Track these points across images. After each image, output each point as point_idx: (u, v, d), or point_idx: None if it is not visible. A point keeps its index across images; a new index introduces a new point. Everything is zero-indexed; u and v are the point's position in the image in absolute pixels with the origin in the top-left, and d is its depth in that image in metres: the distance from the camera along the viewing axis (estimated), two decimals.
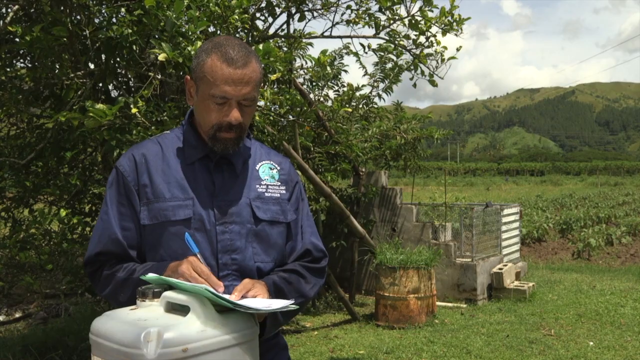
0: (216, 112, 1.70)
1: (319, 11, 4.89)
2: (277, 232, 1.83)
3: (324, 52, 4.77)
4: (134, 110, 3.33)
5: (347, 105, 6.55)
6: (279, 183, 1.87)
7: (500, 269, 8.08)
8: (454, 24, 4.66)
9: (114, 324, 1.32)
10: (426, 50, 5.14)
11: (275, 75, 3.75)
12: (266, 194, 1.83)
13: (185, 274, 1.52)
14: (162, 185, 1.73)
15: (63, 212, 4.46)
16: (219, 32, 3.93)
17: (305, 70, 6.43)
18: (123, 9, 3.65)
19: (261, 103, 4.15)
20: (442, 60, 5.07)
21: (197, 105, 1.75)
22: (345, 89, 7.41)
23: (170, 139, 1.81)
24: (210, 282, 1.51)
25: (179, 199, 1.72)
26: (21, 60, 4.57)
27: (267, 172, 1.87)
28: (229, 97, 1.67)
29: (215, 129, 1.71)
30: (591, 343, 5.85)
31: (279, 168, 1.91)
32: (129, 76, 4.27)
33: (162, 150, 1.78)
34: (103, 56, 3.91)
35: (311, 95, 6.58)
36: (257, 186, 1.83)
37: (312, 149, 7.06)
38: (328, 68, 4.85)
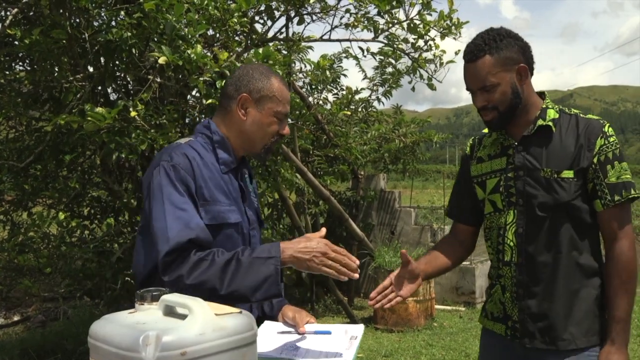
0: (275, 125, 1.97)
1: (318, 15, 4.89)
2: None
3: (323, 56, 4.78)
4: (133, 114, 3.33)
5: (346, 109, 6.56)
6: (254, 193, 2.14)
7: None
8: (453, 27, 4.68)
9: (112, 327, 1.32)
10: (425, 54, 5.15)
11: None
12: (256, 202, 2.10)
13: (329, 254, 1.74)
14: (212, 189, 1.85)
15: (62, 215, 4.47)
16: (218, 35, 3.94)
17: (305, 74, 6.44)
18: (122, 12, 3.65)
19: None
20: (441, 63, 5.09)
21: (256, 121, 1.96)
22: (344, 92, 7.43)
23: (200, 147, 1.92)
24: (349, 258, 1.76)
25: (227, 204, 1.88)
26: (20, 63, 4.57)
27: (249, 181, 2.13)
28: (288, 114, 2.02)
29: (274, 141, 2.00)
30: None
31: (247, 175, 2.13)
32: (128, 79, 4.26)
33: (200, 155, 1.89)
34: (102, 59, 3.91)
35: (310, 99, 6.59)
36: (253, 195, 2.10)
37: (311, 152, 7.07)
38: (327, 72, 4.86)
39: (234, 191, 1.94)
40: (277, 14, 4.76)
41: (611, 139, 1.98)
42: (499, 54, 1.97)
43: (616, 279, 1.94)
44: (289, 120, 4.81)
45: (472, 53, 1.99)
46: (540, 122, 2.03)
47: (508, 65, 1.98)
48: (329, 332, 1.98)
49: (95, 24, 3.79)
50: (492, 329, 2.18)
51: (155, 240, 1.75)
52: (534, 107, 2.06)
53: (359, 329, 2.04)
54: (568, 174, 1.96)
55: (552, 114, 2.05)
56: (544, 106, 2.07)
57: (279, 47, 4.78)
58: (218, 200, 1.85)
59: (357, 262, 1.78)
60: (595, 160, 1.96)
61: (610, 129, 1.99)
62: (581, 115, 2.05)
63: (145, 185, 1.88)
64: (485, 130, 2.25)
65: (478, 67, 1.98)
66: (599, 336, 2.00)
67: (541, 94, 2.12)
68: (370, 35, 4.95)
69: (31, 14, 3.93)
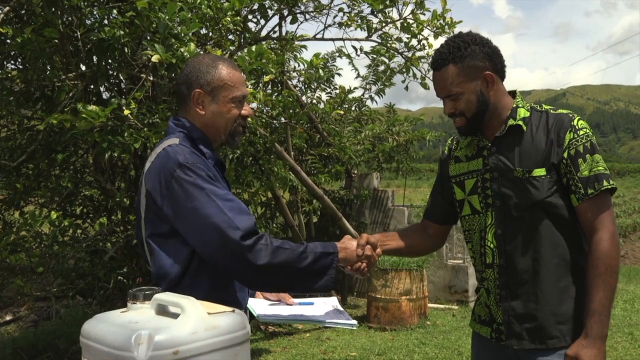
0: (235, 110, 2.00)
1: (311, 14, 4.89)
2: None
3: (316, 55, 4.78)
4: (126, 112, 3.31)
5: (339, 108, 6.56)
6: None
7: None
8: (446, 27, 4.69)
9: (104, 326, 1.31)
10: (418, 53, 5.16)
11: (267, 77, 3.75)
12: None
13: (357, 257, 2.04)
14: (218, 181, 1.89)
15: (54, 215, 4.45)
16: (211, 33, 3.93)
17: (298, 73, 6.44)
18: (115, 11, 3.64)
19: (254, 105, 4.15)
20: None
21: (215, 112, 1.98)
22: (337, 91, 7.42)
23: (188, 144, 1.93)
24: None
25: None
26: (12, 62, 4.54)
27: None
28: (245, 95, 2.03)
29: (237, 124, 2.02)
30: None
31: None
32: (121, 78, 4.25)
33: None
34: (95, 58, 3.89)
35: (304, 98, 6.59)
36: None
37: (304, 151, 7.06)
38: (320, 71, 4.86)
39: (222, 182, 1.98)
40: (270, 12, 4.76)
41: (581, 132, 1.97)
42: (463, 63, 1.98)
43: (592, 270, 1.92)
44: (282, 118, 4.80)
45: (437, 62, 2.01)
46: (510, 122, 2.04)
47: (472, 74, 1.99)
48: (311, 303, 2.26)
49: (88, 22, 3.77)
50: (480, 332, 2.19)
51: (220, 233, 1.75)
52: (505, 109, 2.08)
53: (334, 300, 2.39)
54: (540, 172, 1.97)
55: (522, 112, 2.06)
56: (514, 105, 2.08)
57: (272, 45, 4.77)
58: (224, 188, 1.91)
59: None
60: (565, 154, 1.96)
61: (581, 122, 1.99)
62: (552, 111, 2.05)
63: (156, 193, 1.82)
64: None
65: (443, 76, 2.00)
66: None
67: (512, 93, 2.13)
68: (364, 34, 4.96)
69: (23, 12, 3.91)
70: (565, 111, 2.04)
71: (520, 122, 2.03)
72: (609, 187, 1.97)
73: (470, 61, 1.98)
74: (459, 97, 2.00)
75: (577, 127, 1.97)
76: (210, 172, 1.87)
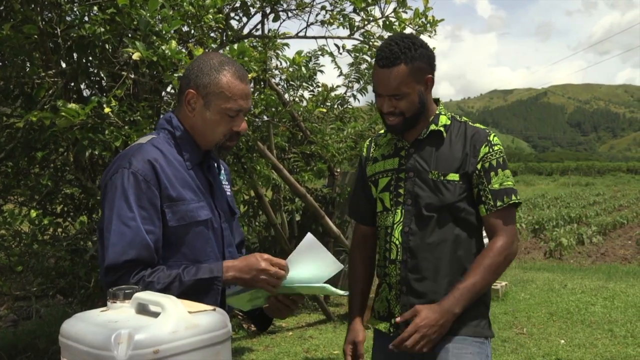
0: (226, 123, 1.87)
1: (294, 12, 4.89)
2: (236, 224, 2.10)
3: (299, 52, 4.77)
4: (106, 110, 3.29)
5: (322, 106, 6.56)
6: (227, 181, 2.09)
7: None
8: (428, 25, 4.70)
9: (83, 326, 1.31)
10: None
11: (250, 75, 3.73)
12: (228, 191, 2.06)
13: (269, 271, 1.76)
14: (179, 188, 1.81)
15: (34, 213, 4.41)
16: (192, 31, 3.91)
17: (280, 71, 6.43)
18: (95, 8, 3.60)
19: None
20: None
21: (204, 118, 1.87)
22: (320, 89, 7.42)
23: (163, 144, 1.87)
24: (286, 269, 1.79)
25: (195, 201, 1.84)
26: None
27: (220, 171, 2.08)
28: (242, 110, 1.88)
29: (227, 139, 1.90)
30: (562, 341, 5.94)
31: (223, 168, 2.10)
32: (102, 75, 4.22)
33: (164, 154, 1.83)
34: (75, 55, 3.85)
35: (286, 96, 6.57)
36: (226, 183, 2.06)
37: (287, 149, 7.05)
38: (303, 69, 4.85)
39: (202, 186, 1.90)
40: (252, 10, 4.75)
41: (496, 148, 2.09)
42: (413, 64, 2.03)
43: (479, 259, 2.04)
44: (264, 116, 4.80)
45: (388, 59, 2.01)
46: (432, 126, 2.13)
47: (418, 76, 2.05)
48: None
49: (68, 19, 3.73)
50: (379, 328, 2.26)
51: (100, 254, 1.76)
52: (430, 112, 2.16)
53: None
54: (454, 176, 2.06)
55: (444, 120, 2.15)
56: (437, 112, 2.16)
57: (254, 43, 4.76)
58: (185, 198, 1.82)
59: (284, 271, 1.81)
60: (479, 166, 2.06)
61: (496, 138, 2.11)
62: (470, 123, 2.16)
63: (102, 187, 1.83)
64: (382, 131, 2.34)
65: (393, 75, 2.02)
66: (482, 329, 2.11)
67: (436, 101, 2.21)
68: (346, 33, 4.96)
69: (1, 8, 3.86)
70: (482, 126, 2.15)
71: (442, 128, 2.13)
72: (516, 201, 2.07)
73: (418, 63, 2.04)
74: (404, 97, 2.04)
75: (492, 143, 2.09)
76: (165, 181, 1.78)
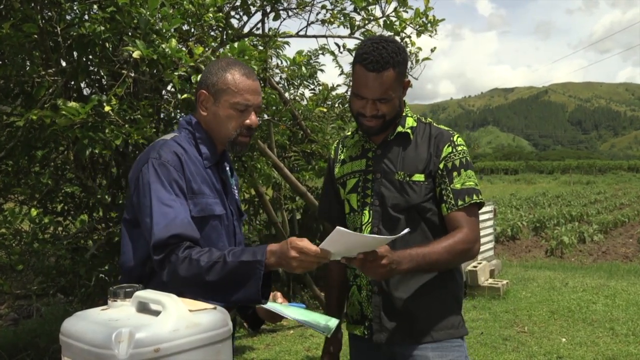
0: (237, 118, 1.96)
1: (294, 10, 4.88)
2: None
3: (299, 52, 4.77)
4: (107, 109, 3.29)
5: (323, 105, 6.56)
6: (235, 187, 2.17)
7: (475, 266, 8.16)
8: (429, 25, 4.70)
9: (84, 324, 1.30)
10: None
11: None
12: (236, 195, 2.13)
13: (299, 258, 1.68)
14: (199, 182, 1.90)
15: (34, 212, 4.40)
16: (193, 30, 3.91)
17: (281, 70, 6.43)
18: (95, 6, 3.60)
19: None
20: (417, 60, 5.10)
21: (216, 115, 1.97)
22: (320, 88, 7.41)
23: (185, 142, 1.96)
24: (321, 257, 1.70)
25: (212, 197, 1.93)
26: None
27: (231, 175, 2.16)
28: (250, 104, 1.96)
29: (239, 133, 1.97)
30: (563, 339, 5.94)
31: (234, 173, 2.20)
32: (102, 74, 4.21)
33: (186, 151, 1.93)
34: (75, 53, 3.85)
35: (287, 94, 6.57)
36: (235, 188, 2.14)
37: (287, 147, 7.05)
38: (303, 68, 4.84)
39: (217, 184, 1.99)
40: (252, 9, 4.74)
41: (459, 148, 2.11)
42: (399, 68, 2.03)
43: (443, 240, 2.01)
44: (265, 115, 4.80)
45: (379, 63, 1.99)
46: (399, 128, 2.15)
47: (401, 80, 2.07)
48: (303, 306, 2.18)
49: (68, 17, 3.73)
50: (355, 333, 2.27)
51: (145, 236, 1.81)
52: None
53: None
54: (419, 177, 2.08)
55: (410, 122, 2.17)
56: (404, 114, 2.17)
57: (254, 42, 4.75)
58: (205, 192, 1.91)
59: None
60: (441, 166, 2.08)
61: (460, 139, 2.13)
62: (434, 124, 2.18)
63: (132, 181, 1.90)
64: (349, 133, 2.35)
65: (382, 79, 2.00)
66: (457, 329, 2.12)
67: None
68: (347, 32, 4.95)
69: (1, 7, 3.85)
70: (447, 128, 2.17)
71: (408, 130, 2.15)
72: (477, 201, 2.08)
73: (402, 67, 2.05)
74: (389, 101, 2.05)
75: (456, 143, 2.11)
76: (189, 174, 1.88)
